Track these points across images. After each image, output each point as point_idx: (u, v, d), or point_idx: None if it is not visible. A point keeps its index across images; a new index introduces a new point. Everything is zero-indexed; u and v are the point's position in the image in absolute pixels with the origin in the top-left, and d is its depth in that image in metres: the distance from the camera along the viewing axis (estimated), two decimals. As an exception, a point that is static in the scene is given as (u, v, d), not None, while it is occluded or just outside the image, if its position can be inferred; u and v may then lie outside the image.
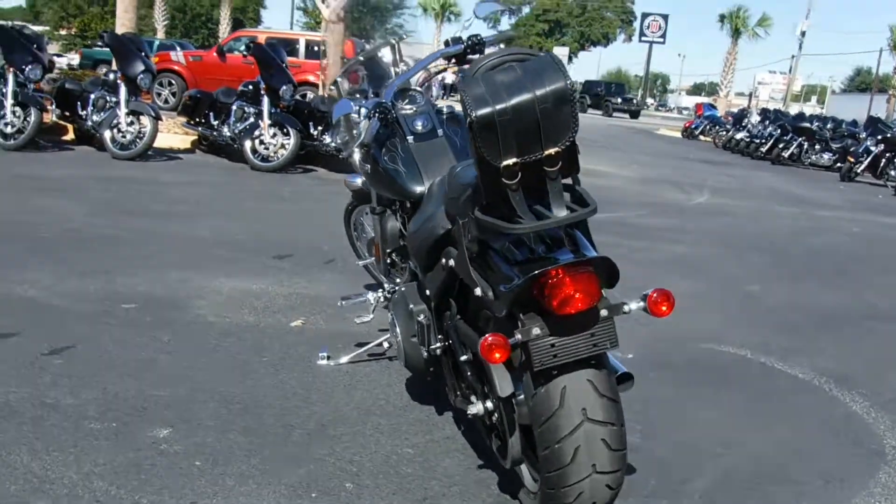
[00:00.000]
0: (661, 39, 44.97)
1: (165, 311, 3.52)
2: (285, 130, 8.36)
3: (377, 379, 2.99)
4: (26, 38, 8.37)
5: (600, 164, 12.18)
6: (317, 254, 4.84)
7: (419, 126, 2.78)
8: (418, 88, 2.97)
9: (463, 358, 2.13)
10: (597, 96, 41.44)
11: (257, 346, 3.21)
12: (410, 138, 2.76)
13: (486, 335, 1.75)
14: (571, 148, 1.74)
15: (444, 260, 2.18)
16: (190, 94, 10.06)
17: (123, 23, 10.44)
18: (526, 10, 76.91)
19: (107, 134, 8.20)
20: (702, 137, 23.92)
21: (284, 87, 8.28)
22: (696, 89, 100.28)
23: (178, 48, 16.99)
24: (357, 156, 3.00)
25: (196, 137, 9.72)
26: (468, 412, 2.14)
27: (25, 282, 3.70)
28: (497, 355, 1.74)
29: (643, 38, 45.48)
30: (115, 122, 8.18)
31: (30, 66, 7.96)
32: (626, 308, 1.82)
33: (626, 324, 3.85)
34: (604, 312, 1.80)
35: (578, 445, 1.81)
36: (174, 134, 9.89)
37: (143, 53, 8.60)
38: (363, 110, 2.85)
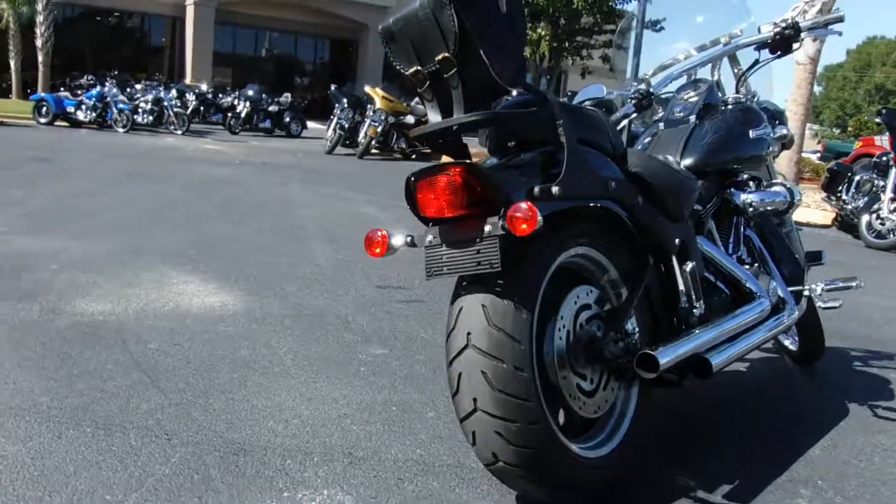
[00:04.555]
0: None
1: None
2: None
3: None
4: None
5: None
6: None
7: (677, 112, 2.70)
8: (707, 78, 2.82)
9: None
10: None
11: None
12: (661, 125, 2.71)
13: (375, 229, 1.81)
14: (468, 55, 1.67)
15: None
16: (829, 167, 9.61)
17: None
18: None
19: (864, 218, 7.82)
20: None
21: None
22: None
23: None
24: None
25: (835, 214, 9.20)
26: None
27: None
28: (377, 250, 1.80)
29: None
30: (875, 206, 7.78)
31: None
32: (499, 223, 1.62)
33: None
34: (487, 228, 1.64)
35: (461, 372, 1.71)
36: (819, 210, 9.59)
37: None
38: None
